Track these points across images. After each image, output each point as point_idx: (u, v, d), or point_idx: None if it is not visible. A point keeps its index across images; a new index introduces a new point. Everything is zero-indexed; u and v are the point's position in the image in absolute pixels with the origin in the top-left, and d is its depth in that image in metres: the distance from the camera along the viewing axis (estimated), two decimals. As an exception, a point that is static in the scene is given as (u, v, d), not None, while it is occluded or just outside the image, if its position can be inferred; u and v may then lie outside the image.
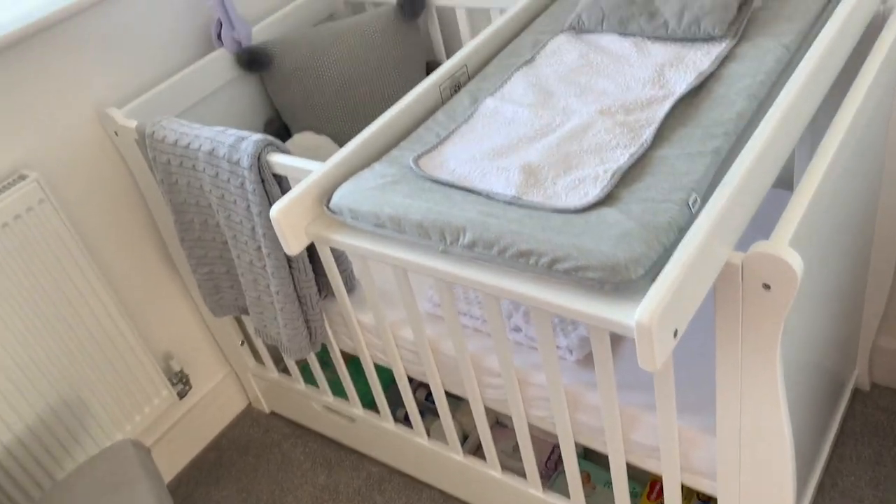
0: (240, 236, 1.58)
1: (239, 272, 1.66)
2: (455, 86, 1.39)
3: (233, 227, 1.57)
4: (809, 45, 1.25)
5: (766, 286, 0.95)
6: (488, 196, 1.06)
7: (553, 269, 0.94)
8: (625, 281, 0.89)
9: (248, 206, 1.50)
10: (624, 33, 1.37)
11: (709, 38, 1.29)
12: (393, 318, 1.61)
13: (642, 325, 0.81)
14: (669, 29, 1.31)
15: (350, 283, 1.67)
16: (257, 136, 1.44)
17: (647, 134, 1.11)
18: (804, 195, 1.00)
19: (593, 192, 1.02)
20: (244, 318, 1.95)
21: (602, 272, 0.90)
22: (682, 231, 0.96)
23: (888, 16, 1.35)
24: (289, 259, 1.55)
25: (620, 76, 1.26)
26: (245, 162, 1.43)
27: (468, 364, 1.44)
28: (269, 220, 1.48)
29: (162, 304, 1.98)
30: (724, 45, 1.26)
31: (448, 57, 2.09)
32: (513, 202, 1.04)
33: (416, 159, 1.18)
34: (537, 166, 1.09)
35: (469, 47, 1.42)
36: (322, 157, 1.92)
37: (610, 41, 1.37)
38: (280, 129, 2.06)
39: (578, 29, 1.42)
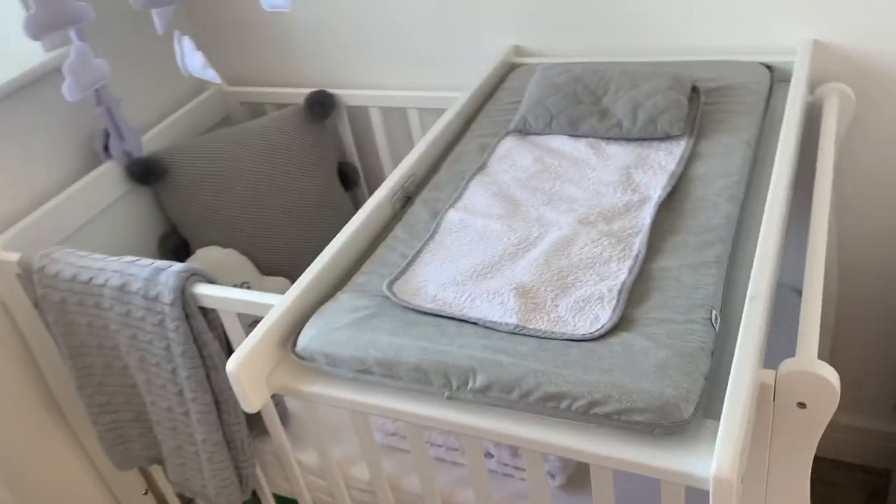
0: (156, 380, 1.36)
1: (153, 420, 1.43)
2: (405, 196, 1.28)
3: (147, 369, 1.35)
4: (763, 139, 1.26)
5: (802, 405, 0.89)
6: (487, 326, 0.95)
7: (591, 414, 0.83)
8: (678, 423, 0.79)
9: (168, 346, 1.29)
10: (575, 134, 1.32)
11: (666, 137, 1.26)
12: (340, 454, 1.43)
13: (722, 480, 0.72)
14: (624, 129, 1.28)
15: (285, 418, 1.48)
16: (178, 267, 1.26)
17: (638, 244, 1.04)
18: (814, 301, 0.96)
19: (605, 316, 0.93)
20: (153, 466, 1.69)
21: (651, 414, 0.80)
22: (713, 354, 0.88)
23: (820, 104, 1.39)
24: (217, 401, 1.35)
25: (586, 181, 1.20)
26: (166, 296, 1.24)
27: (437, 502, 1.29)
28: (194, 361, 1.29)
29: (47, 461, 1.68)
30: (683, 143, 1.24)
31: (361, 158, 1.98)
32: (517, 332, 0.93)
33: (390, 285, 1.04)
34: (531, 287, 0.99)
35: (413, 155, 1.32)
36: (231, 273, 1.74)
37: (561, 143, 1.31)
38: (178, 245, 1.85)
39: (525, 131, 1.35)
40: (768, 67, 1.41)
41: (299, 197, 1.83)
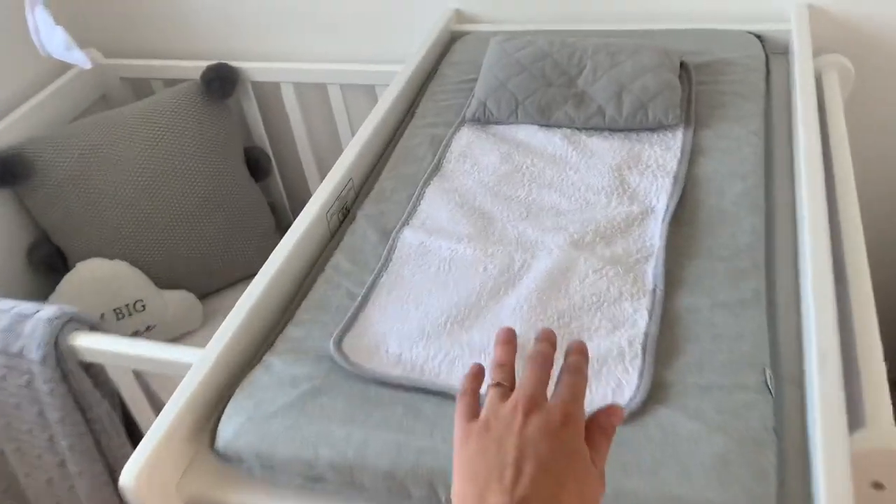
0: (29, 449, 1.06)
1: (28, 495, 1.14)
2: (343, 209, 1.02)
3: (17, 437, 1.06)
4: (771, 127, 1.06)
5: (878, 485, 0.70)
6: (476, 403, 0.71)
7: (640, 540, 0.61)
8: (759, 547, 0.59)
9: (42, 412, 1.00)
10: (546, 124, 1.08)
11: (658, 127, 1.04)
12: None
13: None
14: (607, 118, 1.05)
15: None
16: (48, 312, 0.96)
17: (652, 275, 0.82)
18: (873, 350, 0.77)
19: (631, 383, 0.71)
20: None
21: (722, 537, 0.59)
22: (776, 431, 0.68)
23: (818, 79, 1.20)
24: (112, 470, 1.07)
25: (568, 185, 0.97)
26: (33, 352, 0.94)
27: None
28: (77, 428, 1.00)
29: None
30: (679, 134, 1.02)
31: (272, 143, 1.68)
32: (518, 411, 0.70)
33: (338, 343, 0.79)
34: (528, 341, 0.76)
35: (349, 154, 1.06)
36: (121, 290, 1.43)
37: (531, 135, 1.07)
38: (52, 256, 1.51)
39: (484, 120, 1.11)
40: (758, 37, 1.21)
41: (199, 192, 1.52)
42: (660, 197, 0.92)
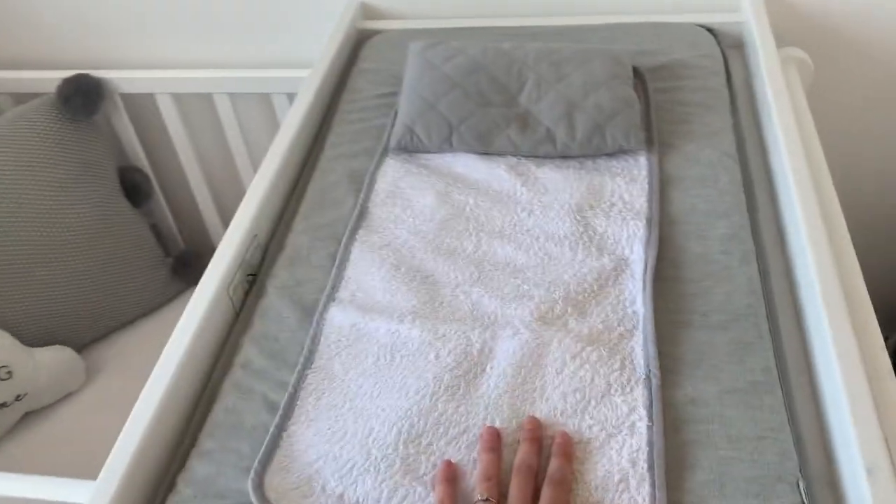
0: None
1: None
2: (248, 277, 0.82)
3: None
4: (743, 143, 0.92)
5: None
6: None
7: None
8: None
9: None
10: (487, 152, 0.91)
11: (617, 152, 0.89)
12: None
13: None
14: (559, 144, 0.89)
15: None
16: None
17: (643, 356, 0.68)
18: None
19: (641, 521, 0.57)
20: None
21: None
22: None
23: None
24: None
25: (523, 233, 0.81)
26: None
27: None
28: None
29: None
30: (643, 160, 0.88)
31: (151, 160, 1.43)
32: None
33: (258, 483, 0.61)
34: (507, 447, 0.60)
35: (251, 203, 0.86)
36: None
37: (470, 167, 0.90)
38: None
39: (412, 148, 0.93)
40: (709, 31, 1.08)
41: (65, 226, 1.28)
42: (633, 246, 0.78)
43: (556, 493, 0.56)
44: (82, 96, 1.26)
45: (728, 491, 0.58)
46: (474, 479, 0.59)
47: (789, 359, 0.69)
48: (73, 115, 1.28)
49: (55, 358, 1.27)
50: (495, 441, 0.61)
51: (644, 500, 0.57)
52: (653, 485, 0.58)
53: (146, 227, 1.41)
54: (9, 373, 1.21)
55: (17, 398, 1.23)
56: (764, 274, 0.77)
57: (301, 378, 0.69)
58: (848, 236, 0.79)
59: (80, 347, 1.34)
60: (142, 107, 1.36)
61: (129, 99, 1.33)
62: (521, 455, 0.59)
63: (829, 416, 0.63)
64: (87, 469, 1.11)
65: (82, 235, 1.30)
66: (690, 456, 0.61)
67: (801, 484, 0.58)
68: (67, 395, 1.29)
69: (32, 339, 1.27)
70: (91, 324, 1.35)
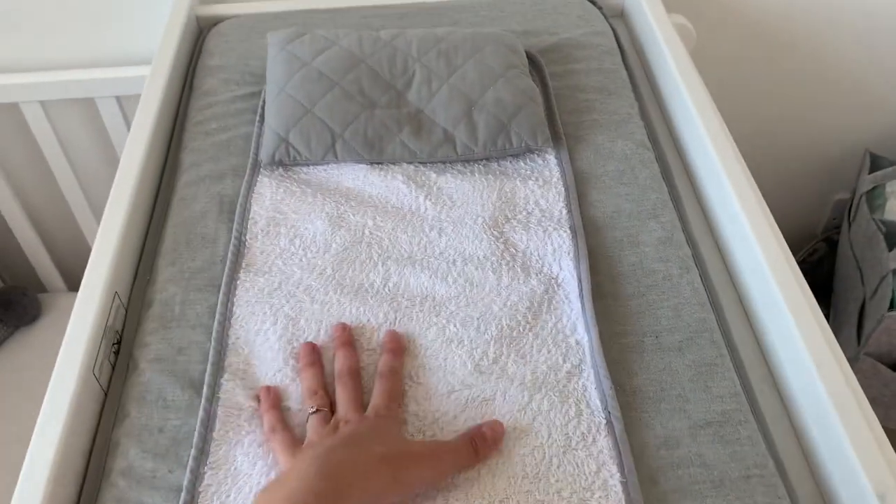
0: None
1: None
2: (113, 343, 0.66)
3: None
4: (651, 128, 0.86)
5: None
6: None
7: None
8: None
9: None
10: (379, 162, 0.79)
11: (524, 152, 0.80)
12: None
13: None
14: (459, 147, 0.78)
15: None
16: None
17: (596, 395, 0.60)
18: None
19: None
20: None
21: None
22: None
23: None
24: None
25: (436, 257, 0.70)
26: None
27: None
28: None
29: None
30: (551, 158, 0.79)
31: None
32: None
33: None
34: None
35: (104, 253, 0.69)
36: None
37: (360, 180, 0.78)
38: None
39: (290, 161, 0.78)
40: (591, 1, 1.00)
41: None
42: (561, 262, 0.69)
43: (388, 383, 0.58)
44: None
45: (725, 548, 0.52)
46: (301, 398, 0.59)
47: (753, 377, 0.63)
48: None
49: None
50: (313, 355, 0.61)
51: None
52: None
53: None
54: None
55: None
56: (705, 276, 0.71)
57: (196, 478, 0.56)
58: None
59: None
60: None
61: None
62: (339, 362, 0.60)
63: (814, 442, 0.58)
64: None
65: None
66: (677, 514, 0.54)
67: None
68: None
69: None
70: None
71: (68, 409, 0.58)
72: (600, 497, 0.54)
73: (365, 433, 0.53)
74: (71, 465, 0.58)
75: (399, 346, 0.61)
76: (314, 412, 0.56)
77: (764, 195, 0.71)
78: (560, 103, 0.85)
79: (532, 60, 0.88)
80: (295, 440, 0.55)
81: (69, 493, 0.57)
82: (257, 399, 0.59)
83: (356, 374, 0.59)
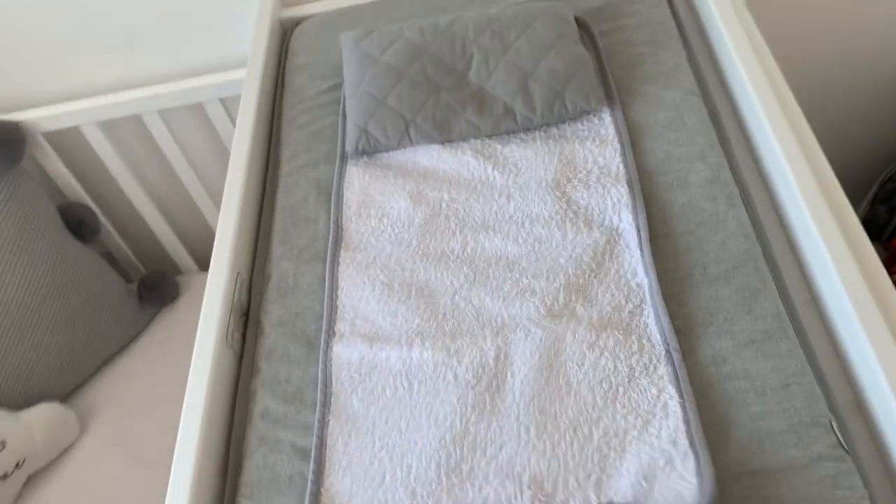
0: None
1: None
2: (242, 314, 0.80)
3: None
4: (702, 77, 0.91)
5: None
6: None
7: None
8: None
9: None
10: (449, 141, 0.89)
11: (580, 115, 0.87)
12: None
13: None
14: (519, 118, 0.87)
15: None
16: None
17: (656, 330, 0.68)
18: None
19: (691, 491, 0.58)
20: None
21: None
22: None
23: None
24: None
25: (507, 221, 0.80)
26: None
27: None
28: None
29: None
30: (607, 118, 0.87)
31: (91, 191, 1.37)
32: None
33: (313, 545, 0.61)
34: (549, 475, 0.61)
35: (225, 238, 0.82)
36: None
37: (434, 159, 0.87)
38: None
39: (371, 150, 0.89)
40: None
41: (17, 280, 1.22)
42: (621, 213, 0.77)
43: None
44: (4, 147, 1.19)
45: (767, 446, 0.60)
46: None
47: (796, 298, 0.70)
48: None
49: (44, 416, 1.23)
50: None
51: (690, 472, 0.59)
52: (696, 458, 0.60)
53: (102, 261, 1.36)
54: (2, 444, 1.17)
55: (17, 466, 1.20)
56: (752, 211, 0.77)
57: (323, 426, 0.68)
58: (821, 152, 0.79)
59: (66, 397, 1.31)
60: (69, 141, 1.29)
61: (53, 136, 1.26)
62: None
63: (846, 347, 0.65)
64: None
65: (39, 287, 1.24)
66: (725, 420, 0.62)
67: (833, 424, 0.60)
68: (66, 450, 1.26)
69: (15, 401, 1.23)
70: (71, 371, 1.31)
71: (210, 372, 0.71)
72: (661, 419, 0.63)
73: None
74: (218, 412, 0.72)
75: None
76: None
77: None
78: (612, 59, 0.92)
79: (581, 25, 0.94)
80: None
81: (220, 434, 0.71)
82: None
83: None
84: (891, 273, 1.34)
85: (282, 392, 0.72)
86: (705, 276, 0.71)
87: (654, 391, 0.64)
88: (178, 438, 0.68)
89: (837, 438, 0.60)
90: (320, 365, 0.72)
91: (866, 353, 0.61)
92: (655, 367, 0.66)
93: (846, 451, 0.59)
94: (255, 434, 0.70)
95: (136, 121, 1.24)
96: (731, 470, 0.59)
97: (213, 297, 0.77)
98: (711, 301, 0.69)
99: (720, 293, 0.70)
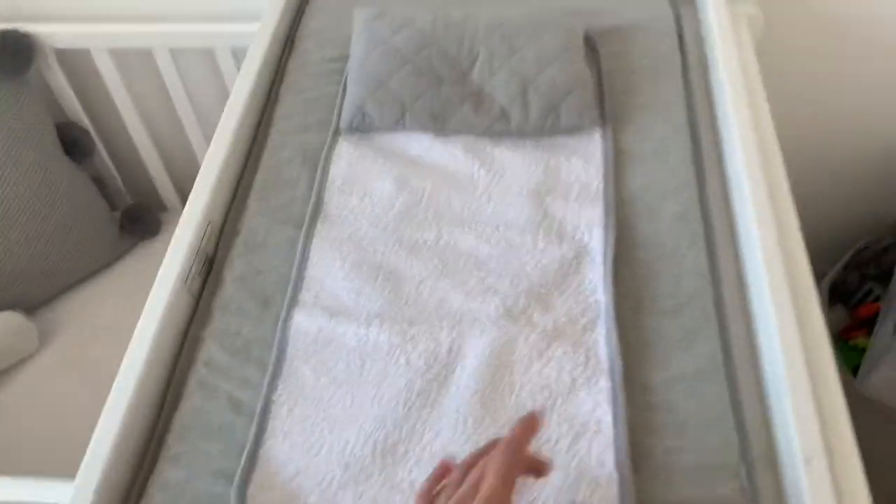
0: None
1: None
2: (205, 263, 0.82)
3: None
4: (693, 108, 0.93)
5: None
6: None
7: None
8: None
9: None
10: (442, 132, 0.90)
11: (572, 130, 0.89)
12: None
13: None
14: (513, 123, 0.88)
15: None
16: None
17: (604, 349, 0.71)
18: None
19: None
20: None
21: None
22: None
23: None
24: None
25: (483, 222, 0.82)
26: None
27: None
28: None
29: None
30: (597, 137, 0.88)
31: (90, 114, 1.38)
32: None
33: (243, 488, 0.63)
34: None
35: (204, 187, 0.84)
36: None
37: (425, 147, 0.89)
38: None
39: (364, 128, 0.91)
40: (659, -14, 1.07)
41: (6, 186, 1.24)
42: (592, 232, 0.79)
43: (503, 459, 0.53)
44: (11, 55, 1.20)
45: (675, 480, 0.62)
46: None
47: (735, 344, 0.72)
48: (3, 76, 1.21)
49: (5, 323, 1.25)
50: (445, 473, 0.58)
51: (614, 499, 0.61)
52: (620, 482, 0.62)
53: (90, 183, 1.37)
54: (-40, 341, 1.19)
55: (-32, 368, 1.22)
56: (712, 252, 0.79)
57: (271, 390, 0.70)
58: (794, 212, 0.81)
59: (31, 310, 1.32)
60: (77, 62, 1.30)
61: (63, 55, 1.27)
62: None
63: (770, 402, 0.67)
64: (54, 439, 1.12)
65: (24, 197, 1.26)
66: (639, 446, 0.64)
67: (742, 471, 0.63)
68: (22, 361, 1.28)
69: (-22, 308, 1.25)
70: (41, 285, 1.33)
71: (164, 307, 0.73)
72: (592, 434, 0.65)
73: None
74: (165, 350, 0.74)
75: (534, 427, 0.56)
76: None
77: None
78: (612, 82, 0.93)
79: (589, 42, 0.96)
80: None
81: (162, 371, 0.73)
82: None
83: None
84: (850, 338, 1.36)
85: (230, 344, 0.74)
86: (654, 307, 0.73)
87: (590, 404, 0.67)
88: (121, 366, 0.70)
89: (741, 486, 0.62)
90: (278, 332, 0.74)
91: (786, 414, 0.63)
92: (595, 382, 0.68)
93: (748, 500, 0.62)
94: (196, 378, 0.72)
95: (147, 55, 1.25)
96: (653, 497, 0.62)
97: (181, 238, 0.79)
98: (655, 331, 0.72)
99: (665, 325, 0.72)
